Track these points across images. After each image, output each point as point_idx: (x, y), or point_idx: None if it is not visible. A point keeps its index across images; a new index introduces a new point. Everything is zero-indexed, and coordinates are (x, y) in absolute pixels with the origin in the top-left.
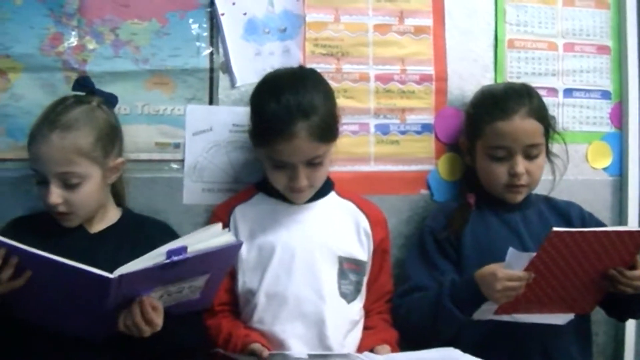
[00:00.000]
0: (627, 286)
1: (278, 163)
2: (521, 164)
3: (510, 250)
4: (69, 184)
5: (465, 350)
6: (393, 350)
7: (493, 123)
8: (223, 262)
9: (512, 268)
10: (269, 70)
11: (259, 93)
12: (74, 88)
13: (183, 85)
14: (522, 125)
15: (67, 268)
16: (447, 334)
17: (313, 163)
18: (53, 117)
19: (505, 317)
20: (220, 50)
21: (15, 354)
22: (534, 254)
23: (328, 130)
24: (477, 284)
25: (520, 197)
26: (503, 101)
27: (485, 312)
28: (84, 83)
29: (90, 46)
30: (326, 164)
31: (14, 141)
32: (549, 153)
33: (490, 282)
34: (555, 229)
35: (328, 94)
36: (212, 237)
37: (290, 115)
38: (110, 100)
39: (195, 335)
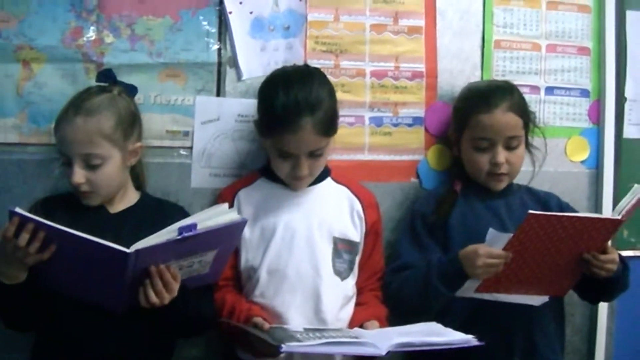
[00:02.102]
0: (601, 269)
1: (283, 153)
2: (502, 154)
3: (490, 230)
4: (91, 165)
5: (451, 326)
6: (381, 326)
7: (477, 116)
8: (230, 238)
9: (492, 247)
10: (273, 65)
11: (268, 87)
12: (98, 79)
13: (194, 78)
14: (503, 118)
15: (89, 243)
16: (435, 308)
17: (315, 154)
18: (78, 103)
19: (486, 296)
20: (228, 46)
21: (42, 322)
22: (512, 234)
23: (330, 125)
24: (461, 261)
25: (501, 185)
26: (486, 96)
27: (468, 290)
28: (107, 74)
29: (108, 40)
30: (325, 155)
31: (36, 127)
32: (528, 145)
33: (472, 259)
34: (532, 211)
35: (331, 91)
36: (219, 215)
37: (298, 110)
38: (131, 90)
39: (207, 306)
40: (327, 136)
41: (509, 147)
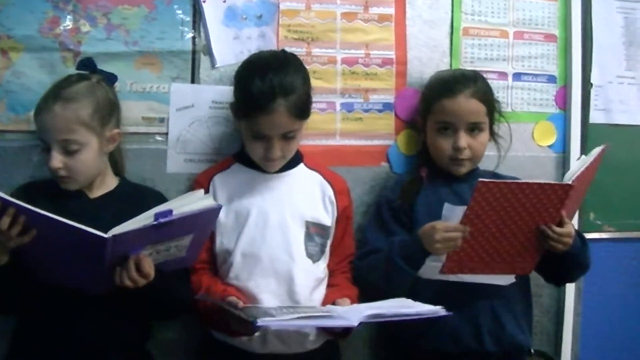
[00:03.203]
0: (557, 242)
1: (257, 134)
2: (463, 139)
3: (446, 205)
4: (68, 150)
5: None
6: (353, 304)
7: (440, 101)
8: (205, 223)
9: (449, 221)
10: (246, 52)
11: (244, 70)
12: (78, 67)
13: (169, 66)
14: (466, 104)
15: (67, 227)
16: (401, 290)
17: (287, 137)
18: (57, 91)
19: (452, 277)
20: (202, 34)
21: (25, 305)
22: (467, 207)
23: (304, 109)
24: (421, 238)
25: (463, 170)
26: (451, 83)
27: (432, 271)
28: (86, 63)
29: (85, 29)
30: (298, 137)
31: (15, 115)
32: (493, 134)
33: (430, 234)
34: (481, 179)
35: (306, 77)
36: (195, 201)
37: (272, 93)
38: (110, 79)
39: (183, 289)
40: (300, 119)
41: (472, 133)
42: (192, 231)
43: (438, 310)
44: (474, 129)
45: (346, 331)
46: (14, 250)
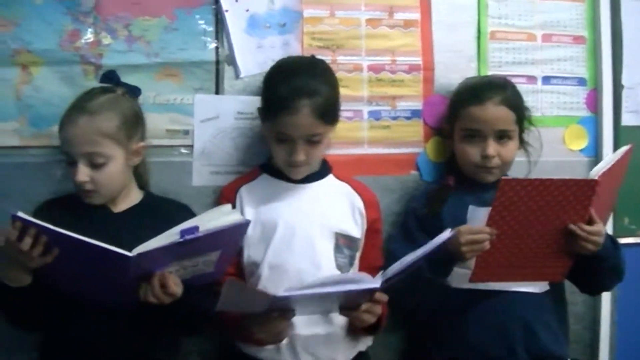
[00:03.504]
0: (587, 241)
1: (281, 136)
2: (492, 147)
3: (470, 207)
4: (95, 164)
5: (447, 322)
6: (383, 310)
7: (468, 107)
8: (233, 238)
9: (473, 224)
10: (270, 62)
11: (273, 73)
12: (102, 80)
13: (191, 77)
14: (495, 111)
15: (90, 246)
16: (430, 301)
17: (312, 140)
18: (81, 104)
19: (481, 286)
20: (225, 44)
21: (49, 322)
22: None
23: (329, 112)
24: (446, 244)
25: (491, 178)
26: (479, 89)
27: (460, 278)
28: (110, 75)
29: (106, 41)
30: (323, 144)
31: (36, 130)
32: (522, 141)
33: (455, 240)
34: (505, 177)
35: (333, 82)
36: (221, 217)
37: (296, 93)
38: (134, 92)
39: (209, 301)
40: (325, 122)
41: (500, 141)
42: (219, 247)
43: (447, 234)
44: (502, 136)
45: (376, 326)
46: (37, 269)
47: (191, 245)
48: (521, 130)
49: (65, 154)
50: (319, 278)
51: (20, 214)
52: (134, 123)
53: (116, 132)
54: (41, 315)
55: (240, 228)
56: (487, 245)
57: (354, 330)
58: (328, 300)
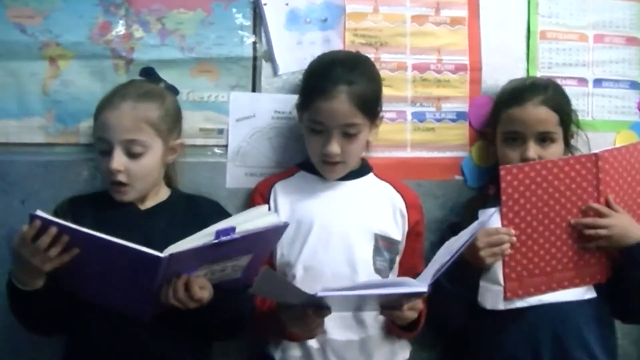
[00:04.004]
0: (595, 227)
1: (316, 126)
2: (532, 150)
3: (480, 211)
4: (132, 153)
5: (481, 337)
6: (420, 316)
7: (508, 110)
8: (268, 242)
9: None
10: (310, 59)
11: (312, 66)
12: (141, 74)
13: (227, 73)
14: (534, 112)
15: (118, 247)
16: (456, 318)
17: (348, 133)
18: (125, 91)
19: (519, 303)
20: (263, 39)
21: (68, 327)
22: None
23: (367, 102)
24: (464, 255)
25: None
26: (519, 90)
27: (493, 297)
28: (149, 71)
29: (138, 35)
30: (361, 140)
31: (63, 126)
32: (569, 145)
33: (472, 245)
34: (502, 167)
35: (374, 76)
36: (258, 218)
37: (335, 80)
38: (173, 90)
39: (245, 305)
40: (363, 113)
41: (542, 144)
42: (252, 250)
43: (481, 220)
44: (544, 139)
45: (413, 326)
46: (55, 271)
47: (225, 247)
48: (566, 133)
49: (99, 141)
50: (362, 282)
51: (40, 213)
52: (175, 118)
53: (159, 122)
54: (57, 321)
55: (278, 231)
56: (507, 247)
57: (391, 330)
58: (368, 300)
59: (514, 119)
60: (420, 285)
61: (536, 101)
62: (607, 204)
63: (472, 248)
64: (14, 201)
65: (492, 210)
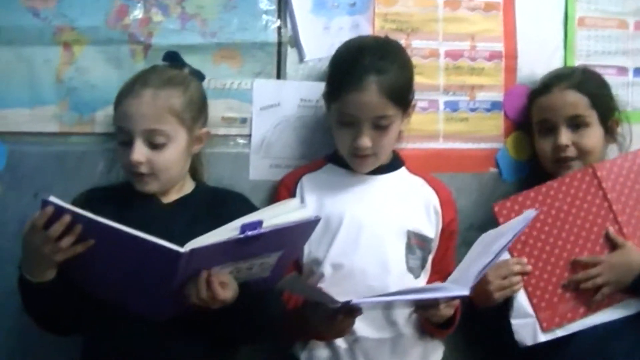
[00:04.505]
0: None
1: (345, 118)
2: (564, 136)
3: (483, 236)
4: (154, 144)
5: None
6: (456, 309)
7: (536, 99)
8: (298, 238)
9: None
10: (337, 45)
11: (340, 53)
12: (164, 59)
13: (251, 60)
14: (561, 96)
15: (134, 239)
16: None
17: (379, 125)
18: (146, 77)
19: (560, 332)
20: (289, 24)
21: (84, 326)
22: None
23: (399, 93)
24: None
25: (571, 172)
26: (547, 78)
27: (529, 330)
28: (173, 56)
29: (156, 19)
30: (393, 131)
31: (78, 115)
32: (609, 130)
33: (480, 290)
34: (496, 203)
35: (406, 63)
36: (288, 212)
37: (364, 69)
38: (199, 75)
39: (274, 306)
40: (394, 104)
41: (575, 128)
42: (281, 247)
43: (526, 216)
44: (577, 124)
45: (448, 323)
46: (64, 263)
47: (252, 244)
48: (603, 117)
49: (119, 132)
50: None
51: (53, 199)
52: (200, 106)
53: (183, 110)
54: (72, 318)
55: (309, 226)
56: (517, 279)
57: (425, 328)
58: (403, 301)
59: (543, 107)
60: (462, 289)
61: (562, 86)
62: (607, 237)
63: (482, 287)
64: (26, 195)
65: (492, 232)
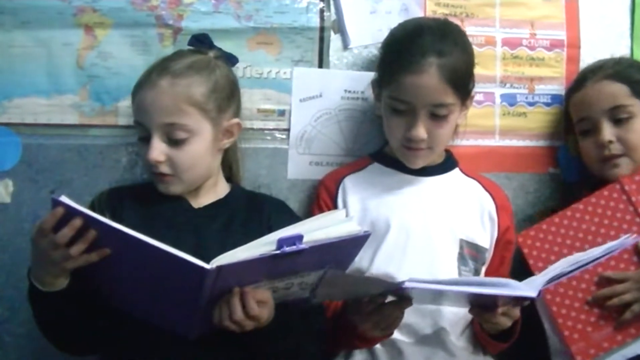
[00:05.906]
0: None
1: (399, 105)
2: (607, 132)
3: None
4: (174, 140)
5: None
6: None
7: (571, 97)
8: (344, 255)
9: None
10: (385, 30)
11: (395, 34)
12: (190, 43)
13: (290, 46)
14: (597, 88)
15: (154, 251)
16: None
17: (437, 114)
18: (164, 64)
19: None
20: (332, 7)
21: (101, 344)
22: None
23: (461, 79)
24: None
25: (620, 171)
26: (580, 73)
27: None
28: (201, 38)
29: (187, 0)
30: (450, 123)
31: (100, 105)
32: None
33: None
34: (518, 234)
35: (468, 48)
36: (333, 225)
37: (423, 49)
38: (230, 58)
39: (317, 323)
40: (455, 90)
41: (617, 121)
42: (324, 265)
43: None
44: (620, 117)
45: (505, 336)
46: (78, 271)
47: (290, 260)
48: None
49: (137, 126)
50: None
51: (64, 199)
52: (228, 94)
53: (204, 100)
54: (86, 334)
55: (357, 242)
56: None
57: (478, 337)
58: (459, 296)
59: (579, 105)
60: (529, 289)
61: (597, 78)
62: (638, 252)
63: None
64: (43, 191)
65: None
